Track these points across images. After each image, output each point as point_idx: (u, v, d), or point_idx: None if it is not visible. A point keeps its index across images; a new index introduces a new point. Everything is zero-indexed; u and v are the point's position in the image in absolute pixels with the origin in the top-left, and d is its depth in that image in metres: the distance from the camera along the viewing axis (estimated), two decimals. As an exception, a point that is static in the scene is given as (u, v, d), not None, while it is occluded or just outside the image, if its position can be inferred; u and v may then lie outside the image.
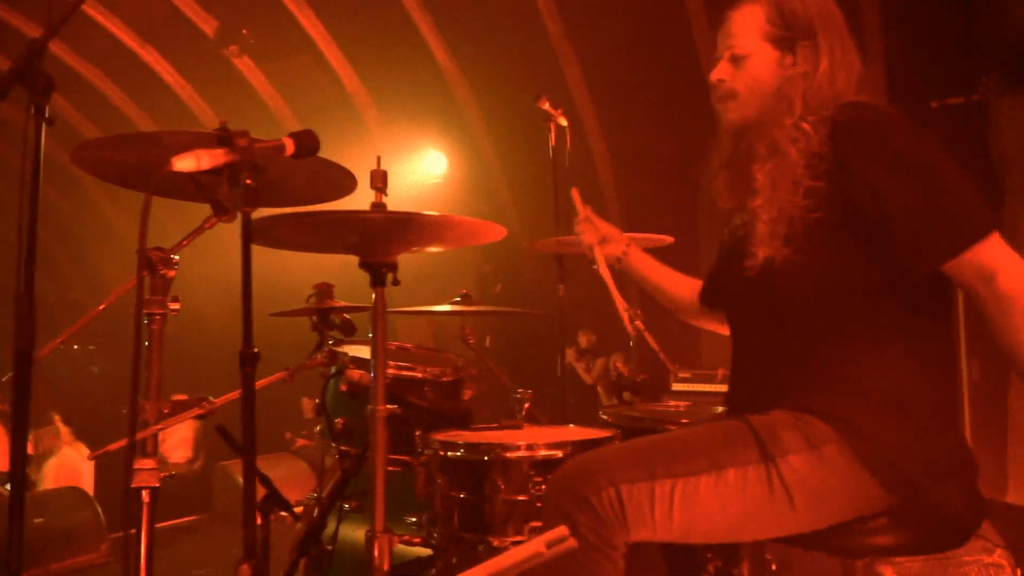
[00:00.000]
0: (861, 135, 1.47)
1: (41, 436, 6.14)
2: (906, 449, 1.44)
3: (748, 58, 1.62)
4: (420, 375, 2.15)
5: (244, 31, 7.37)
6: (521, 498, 1.63)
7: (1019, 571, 2.09)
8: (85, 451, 5.95)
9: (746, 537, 1.51)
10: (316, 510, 2.19)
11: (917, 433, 1.46)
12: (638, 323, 3.05)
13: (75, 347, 11.99)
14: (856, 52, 1.62)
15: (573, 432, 1.90)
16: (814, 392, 1.50)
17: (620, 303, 2.13)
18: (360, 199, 1.69)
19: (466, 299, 2.85)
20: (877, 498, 1.44)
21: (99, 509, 4.74)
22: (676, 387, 5.48)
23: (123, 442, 1.25)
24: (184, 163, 1.25)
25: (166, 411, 1.51)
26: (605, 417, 2.56)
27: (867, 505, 1.45)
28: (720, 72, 1.66)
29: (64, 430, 6.29)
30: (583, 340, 7.06)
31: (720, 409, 2.00)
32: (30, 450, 6.00)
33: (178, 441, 6.74)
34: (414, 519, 1.84)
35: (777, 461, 1.41)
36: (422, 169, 7.73)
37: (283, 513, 2.09)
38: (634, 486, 1.38)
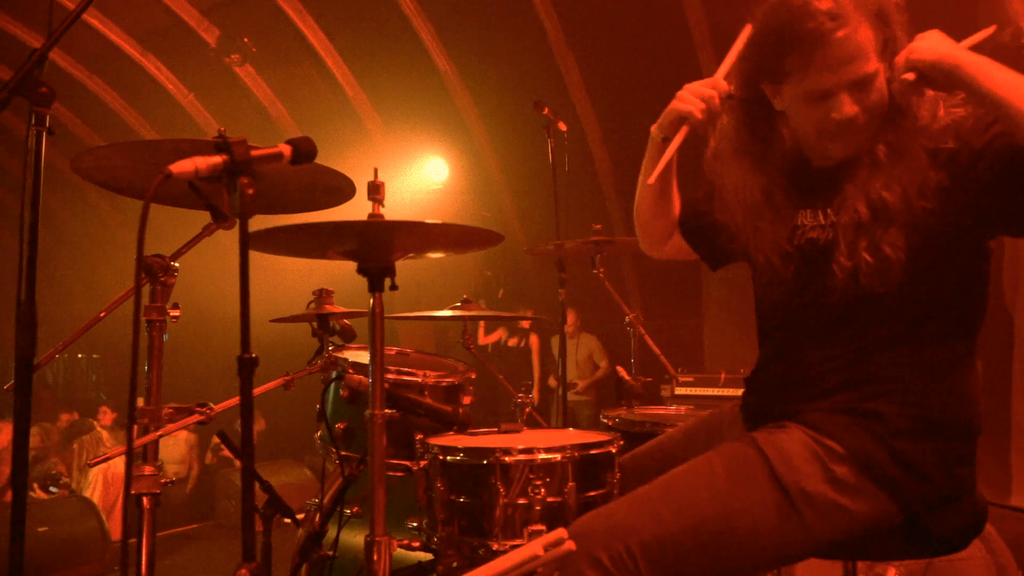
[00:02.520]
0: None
1: (86, 444, 6.21)
2: (927, 473, 1.43)
3: (873, 78, 1.44)
4: (420, 380, 2.16)
5: (245, 39, 7.41)
6: (520, 502, 1.63)
7: (1021, 573, 2.09)
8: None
9: (766, 567, 1.50)
10: (317, 516, 2.19)
11: (940, 455, 1.45)
12: (639, 327, 3.06)
13: (79, 356, 12.04)
14: None
15: (573, 436, 1.90)
16: (844, 406, 1.47)
17: None
18: (362, 204, 1.70)
19: (467, 304, 2.86)
20: (891, 516, 1.44)
21: (103, 518, 4.75)
22: (678, 391, 5.48)
23: (122, 449, 1.25)
24: (181, 170, 1.25)
25: (166, 417, 1.53)
26: (606, 421, 2.56)
27: (880, 523, 1.45)
28: (851, 105, 1.44)
29: (106, 435, 6.35)
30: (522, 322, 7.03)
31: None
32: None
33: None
34: (415, 524, 1.85)
35: (790, 490, 1.40)
36: (424, 176, 7.76)
37: (285, 519, 2.09)
38: (646, 539, 1.37)
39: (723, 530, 1.39)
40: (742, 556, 1.42)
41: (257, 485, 1.70)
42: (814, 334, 1.56)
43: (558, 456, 1.66)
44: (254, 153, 1.31)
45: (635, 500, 1.48)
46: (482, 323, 7.08)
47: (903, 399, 1.46)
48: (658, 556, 1.37)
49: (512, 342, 7.11)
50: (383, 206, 1.67)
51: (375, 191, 1.68)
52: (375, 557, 1.59)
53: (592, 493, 1.68)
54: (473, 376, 2.35)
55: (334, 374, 2.24)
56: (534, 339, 7.10)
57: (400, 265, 1.73)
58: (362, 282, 1.72)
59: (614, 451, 1.74)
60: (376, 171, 1.70)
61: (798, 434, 1.46)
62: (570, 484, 1.65)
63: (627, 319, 3.24)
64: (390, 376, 2.10)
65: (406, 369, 2.18)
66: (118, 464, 5.74)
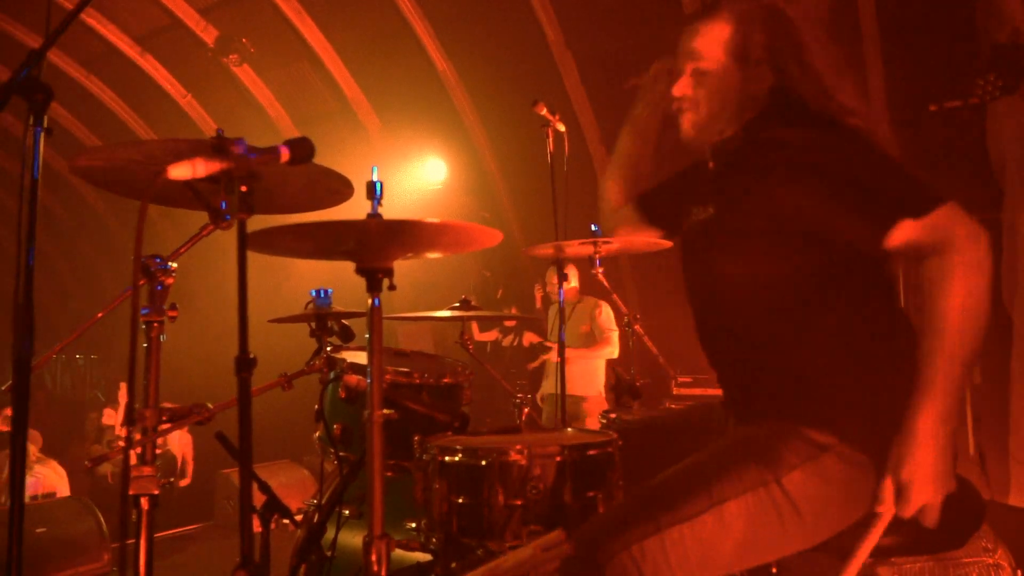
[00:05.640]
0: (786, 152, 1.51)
1: (4, 460, 6.16)
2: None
3: (711, 73, 1.64)
4: (418, 380, 2.15)
5: (244, 40, 7.40)
6: (519, 502, 1.63)
7: (1019, 572, 2.09)
8: (56, 466, 5.98)
9: (765, 559, 1.51)
10: (316, 516, 2.19)
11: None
12: (637, 327, 3.06)
13: (77, 356, 12.01)
14: (827, 71, 1.61)
15: (571, 436, 1.90)
16: (800, 400, 1.51)
17: None
18: (361, 204, 1.70)
19: (466, 304, 2.86)
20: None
21: (101, 518, 4.74)
22: (676, 391, 5.47)
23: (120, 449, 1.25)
24: (179, 171, 1.25)
25: (164, 418, 1.52)
26: (604, 421, 2.57)
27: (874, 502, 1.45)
28: (683, 87, 1.67)
29: (32, 448, 6.27)
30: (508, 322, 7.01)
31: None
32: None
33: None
34: (413, 524, 1.84)
35: (782, 480, 1.42)
36: (422, 175, 7.74)
37: (284, 520, 2.09)
38: (645, 542, 1.38)
39: (719, 524, 1.40)
40: (741, 550, 1.43)
41: (255, 485, 1.70)
42: (736, 340, 1.68)
43: (557, 456, 1.66)
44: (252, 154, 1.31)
45: (631, 504, 1.50)
46: (511, 336, 7.10)
47: (848, 380, 1.50)
48: (660, 557, 1.38)
49: (506, 341, 7.11)
50: (381, 205, 1.67)
51: (373, 191, 1.67)
52: (373, 558, 1.59)
53: (591, 494, 1.67)
54: (472, 376, 2.34)
55: (332, 374, 2.24)
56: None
57: (399, 265, 1.72)
58: (361, 282, 1.71)
59: (612, 451, 1.74)
60: (374, 171, 1.70)
61: (780, 428, 1.49)
62: (568, 485, 1.64)
63: (625, 319, 3.24)
64: (388, 376, 2.09)
65: (404, 369, 2.18)
66: (47, 475, 5.77)
